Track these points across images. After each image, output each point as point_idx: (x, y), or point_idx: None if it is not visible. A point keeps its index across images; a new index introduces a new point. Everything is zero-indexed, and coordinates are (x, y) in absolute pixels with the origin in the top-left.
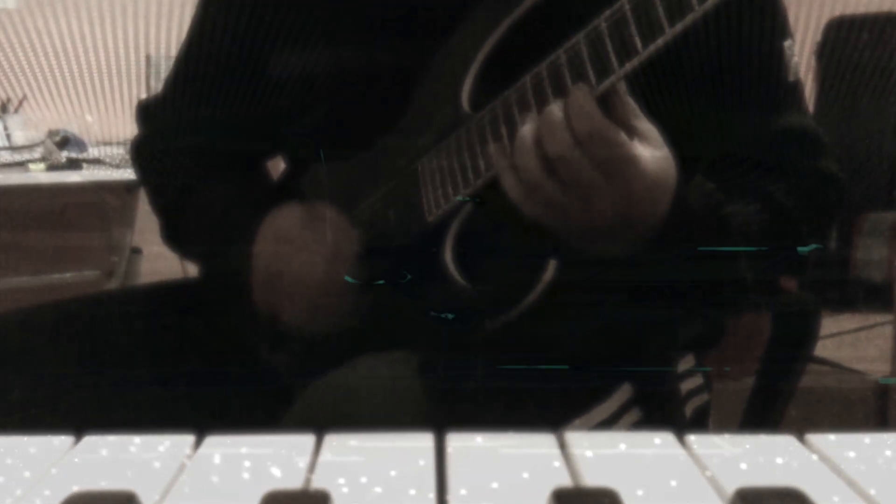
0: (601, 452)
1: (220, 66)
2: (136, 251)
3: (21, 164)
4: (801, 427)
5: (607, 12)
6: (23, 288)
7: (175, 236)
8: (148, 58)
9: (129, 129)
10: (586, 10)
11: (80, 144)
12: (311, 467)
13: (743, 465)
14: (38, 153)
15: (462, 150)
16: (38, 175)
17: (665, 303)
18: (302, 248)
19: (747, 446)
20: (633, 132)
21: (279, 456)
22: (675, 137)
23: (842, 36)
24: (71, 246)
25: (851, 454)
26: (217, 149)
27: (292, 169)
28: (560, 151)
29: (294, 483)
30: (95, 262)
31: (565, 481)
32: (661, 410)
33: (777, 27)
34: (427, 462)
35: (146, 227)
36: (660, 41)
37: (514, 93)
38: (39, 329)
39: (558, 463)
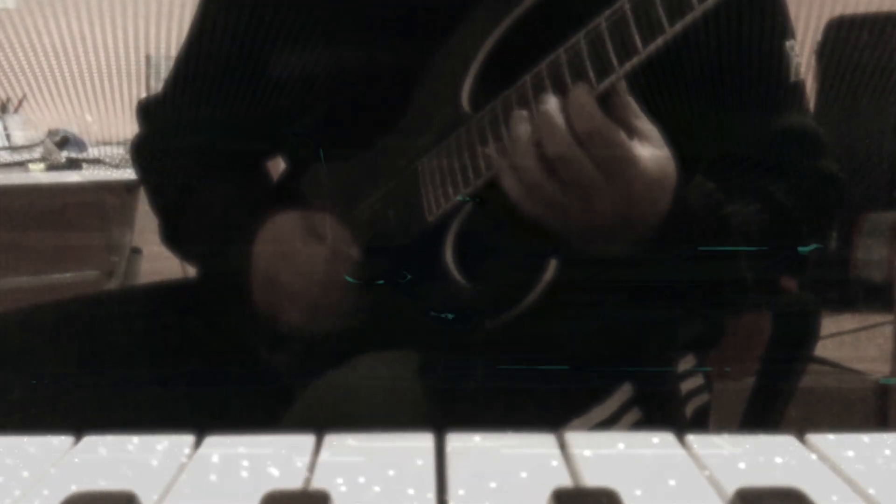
0: (601, 452)
1: (221, 65)
2: (136, 251)
3: (21, 164)
4: (801, 427)
5: (607, 11)
6: (23, 288)
7: (175, 236)
8: (148, 58)
9: (128, 129)
10: (586, 9)
11: (80, 144)
12: (311, 467)
13: (743, 465)
14: (37, 153)
15: (462, 150)
16: (38, 175)
17: (665, 303)
18: (302, 248)
19: (747, 446)
20: (633, 132)
21: (279, 456)
22: (675, 137)
23: (842, 36)
24: (71, 246)
25: (851, 454)
26: (217, 149)
27: (292, 169)
28: (560, 151)
29: (294, 483)
30: (95, 262)
31: (565, 481)
32: (662, 410)
33: (777, 27)
34: (427, 462)
35: (146, 227)
36: (660, 40)
37: (515, 92)
38: (39, 329)
39: (558, 463)
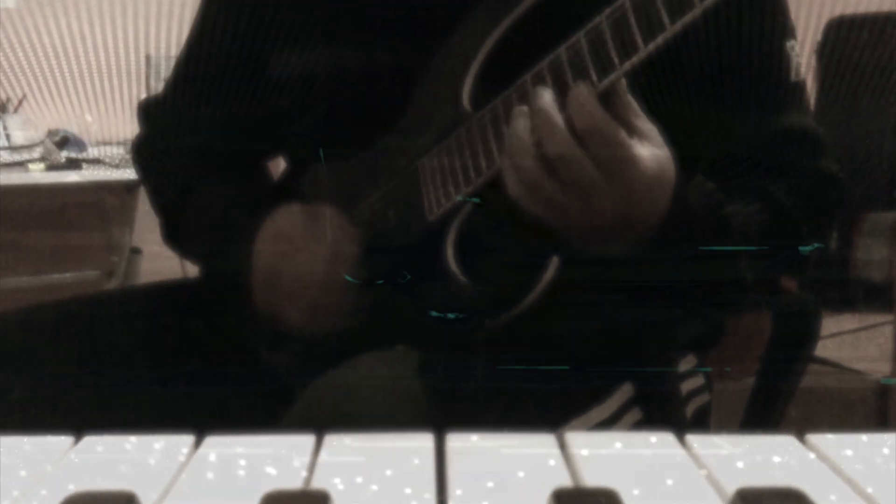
0: (601, 452)
1: (221, 66)
2: (136, 251)
3: (21, 164)
4: (801, 427)
5: (608, 10)
6: (23, 288)
7: (175, 236)
8: (148, 58)
9: (128, 129)
10: (586, 8)
11: (80, 144)
12: (311, 467)
13: (742, 465)
14: (37, 153)
15: (463, 150)
16: (38, 175)
17: (665, 303)
18: (302, 247)
19: (747, 446)
20: (633, 131)
21: (279, 456)
22: (675, 137)
23: (842, 36)
24: (71, 246)
25: (851, 454)
26: (217, 149)
27: (292, 169)
28: (560, 150)
29: (294, 483)
30: (95, 262)
31: (565, 481)
32: (662, 410)
33: (777, 27)
34: (427, 462)
35: (146, 227)
36: (660, 39)
37: (515, 91)
38: (39, 329)
39: (558, 463)
